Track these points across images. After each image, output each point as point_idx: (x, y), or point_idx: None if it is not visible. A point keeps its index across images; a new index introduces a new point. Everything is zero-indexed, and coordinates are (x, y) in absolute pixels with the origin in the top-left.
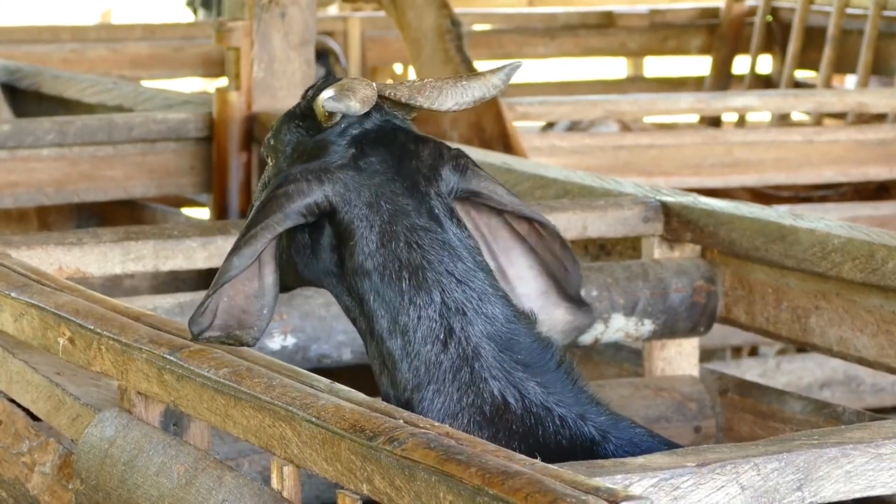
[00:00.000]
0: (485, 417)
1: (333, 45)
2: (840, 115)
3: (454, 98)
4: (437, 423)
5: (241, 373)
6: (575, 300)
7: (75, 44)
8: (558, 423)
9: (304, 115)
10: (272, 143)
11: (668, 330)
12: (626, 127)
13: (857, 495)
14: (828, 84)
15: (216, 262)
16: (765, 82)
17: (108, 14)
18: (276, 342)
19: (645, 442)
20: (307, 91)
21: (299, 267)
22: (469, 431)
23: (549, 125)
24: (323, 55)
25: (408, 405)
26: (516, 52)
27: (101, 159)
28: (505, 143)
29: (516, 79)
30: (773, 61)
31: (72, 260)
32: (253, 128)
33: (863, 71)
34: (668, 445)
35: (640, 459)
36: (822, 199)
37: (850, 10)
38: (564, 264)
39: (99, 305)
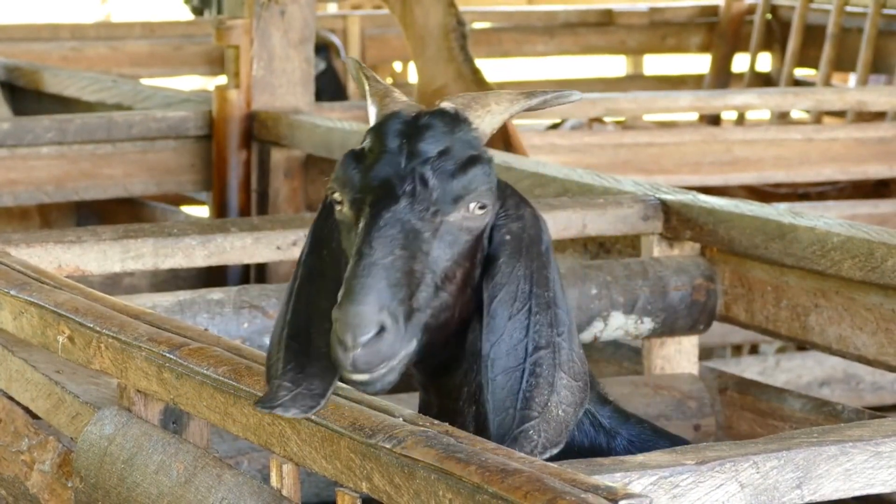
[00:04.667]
0: None
1: (334, 38)
2: (840, 114)
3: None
4: (436, 422)
5: (241, 371)
6: None
7: (75, 42)
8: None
9: None
10: None
11: (668, 328)
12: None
13: (857, 493)
14: (827, 82)
15: (215, 260)
16: (764, 80)
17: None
18: None
19: (651, 439)
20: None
21: None
22: None
23: (555, 125)
24: (322, 48)
25: None
26: (516, 50)
27: (101, 157)
28: (505, 141)
29: (515, 77)
30: (773, 59)
31: (71, 258)
32: (252, 126)
33: (862, 69)
34: (673, 441)
35: (640, 458)
36: (821, 196)
37: (849, 8)
38: None
39: (98, 303)
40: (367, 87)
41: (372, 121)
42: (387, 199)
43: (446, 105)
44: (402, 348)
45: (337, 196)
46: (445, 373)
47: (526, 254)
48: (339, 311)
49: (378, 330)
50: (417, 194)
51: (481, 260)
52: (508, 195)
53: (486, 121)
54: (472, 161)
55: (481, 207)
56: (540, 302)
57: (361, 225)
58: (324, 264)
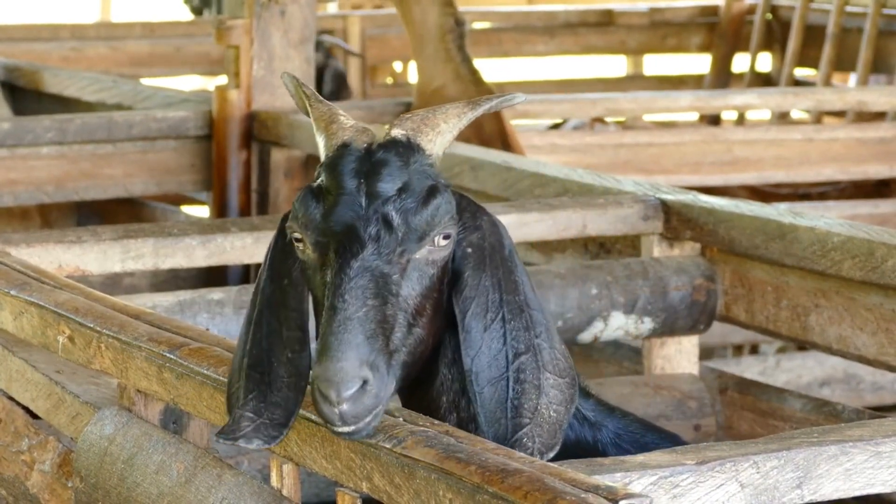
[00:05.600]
0: None
1: (339, 41)
2: (840, 114)
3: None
4: (436, 422)
5: None
6: None
7: (75, 42)
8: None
9: None
10: None
11: (668, 328)
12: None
13: (857, 493)
14: (827, 82)
15: (215, 260)
16: (764, 80)
17: (107, 11)
18: None
19: (638, 431)
20: None
21: None
22: None
23: (556, 125)
24: (327, 53)
25: None
26: (516, 50)
27: (101, 157)
28: (504, 141)
29: (516, 76)
30: (773, 59)
31: (71, 258)
32: (252, 126)
33: (862, 69)
34: (660, 433)
35: (640, 458)
36: (822, 196)
37: (849, 8)
38: None
39: (98, 303)
40: (309, 110)
41: (321, 151)
42: (353, 245)
43: (397, 133)
44: (386, 394)
45: (297, 236)
46: (421, 386)
47: (490, 263)
48: (320, 368)
49: (361, 383)
50: (382, 238)
51: (448, 282)
52: (464, 207)
53: (437, 143)
54: (432, 193)
55: (445, 238)
56: (512, 308)
57: (330, 275)
58: (285, 294)
